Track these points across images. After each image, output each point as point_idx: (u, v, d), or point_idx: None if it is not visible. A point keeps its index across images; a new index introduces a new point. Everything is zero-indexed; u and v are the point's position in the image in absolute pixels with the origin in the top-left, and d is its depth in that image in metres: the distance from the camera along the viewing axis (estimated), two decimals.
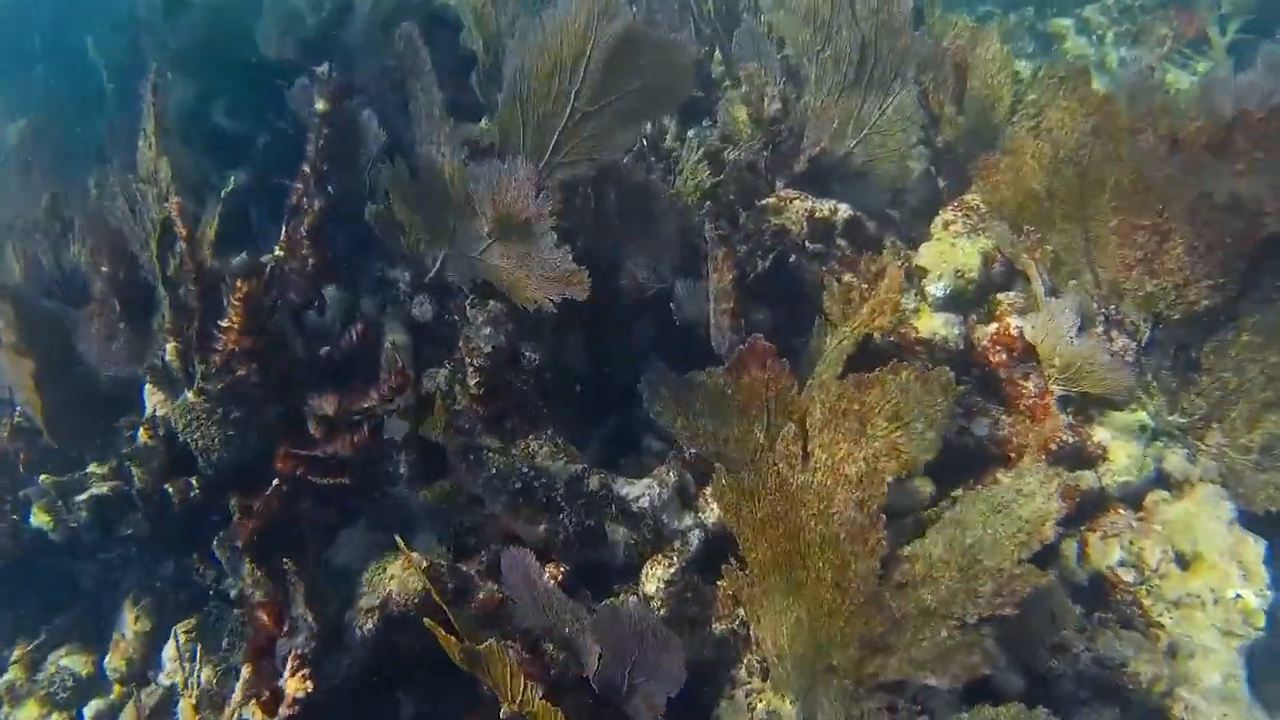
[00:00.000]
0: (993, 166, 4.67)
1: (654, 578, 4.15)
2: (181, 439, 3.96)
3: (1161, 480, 4.60)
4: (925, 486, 4.39)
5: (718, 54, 5.81)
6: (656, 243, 4.72)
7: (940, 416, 3.96)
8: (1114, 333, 4.58)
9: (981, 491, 3.70)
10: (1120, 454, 4.58)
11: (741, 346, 4.16)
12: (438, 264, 4.41)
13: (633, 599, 4.00)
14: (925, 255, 4.87)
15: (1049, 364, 4.54)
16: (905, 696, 3.65)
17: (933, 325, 4.74)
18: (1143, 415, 4.62)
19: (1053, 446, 4.53)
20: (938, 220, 5.04)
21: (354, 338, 4.02)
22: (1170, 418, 4.60)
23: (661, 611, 4.06)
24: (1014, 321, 4.68)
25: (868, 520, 3.57)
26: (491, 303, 4.27)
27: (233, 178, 4.50)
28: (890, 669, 3.63)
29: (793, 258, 4.82)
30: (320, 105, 4.05)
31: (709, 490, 4.49)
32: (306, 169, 4.04)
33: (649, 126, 5.46)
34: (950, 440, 4.48)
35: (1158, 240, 4.27)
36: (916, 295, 4.80)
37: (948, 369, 3.92)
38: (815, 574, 3.73)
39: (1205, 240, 4.18)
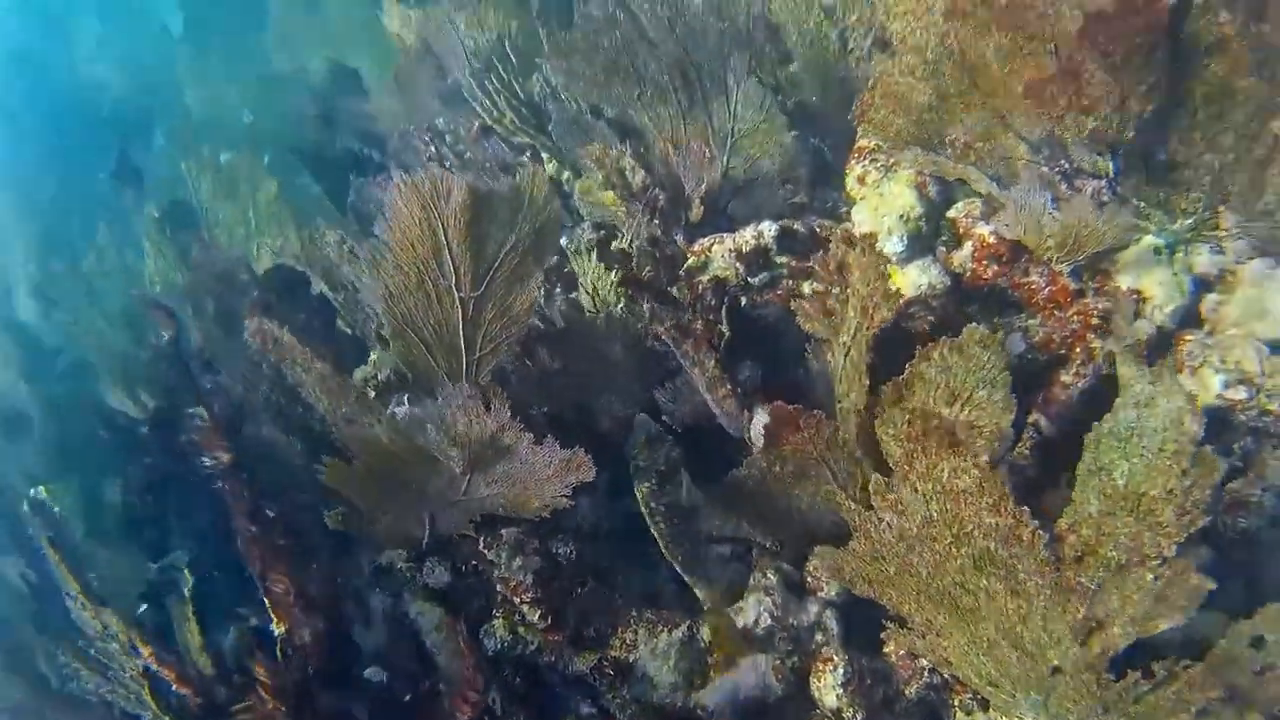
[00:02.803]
0: (870, 105, 4.17)
1: (829, 688, 3.62)
2: None
3: (1203, 286, 4.14)
4: None
5: (543, 155, 5.28)
6: (611, 367, 4.18)
7: (997, 373, 3.46)
8: (1078, 182, 4.11)
9: (1099, 428, 3.18)
10: (1152, 286, 4.13)
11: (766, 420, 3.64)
12: (428, 526, 3.82)
13: None
14: (861, 218, 4.38)
15: (1042, 250, 4.06)
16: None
17: (911, 279, 4.26)
18: (1149, 239, 4.16)
19: (1094, 321, 4.08)
20: (849, 179, 4.55)
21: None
22: (1175, 226, 4.14)
23: (859, 717, 3.50)
24: (984, 230, 4.19)
25: (1012, 519, 3.06)
26: (504, 531, 3.68)
27: (177, 566, 3.86)
28: (1119, 639, 3.13)
29: (743, 300, 4.29)
30: (223, 458, 3.44)
31: (811, 566, 3.99)
32: (250, 528, 3.41)
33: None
34: None
35: (1072, 78, 3.80)
36: None
37: (975, 326, 3.43)
38: (985, 593, 3.22)
39: (1117, 50, 3.71)
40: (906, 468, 3.19)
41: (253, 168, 6.54)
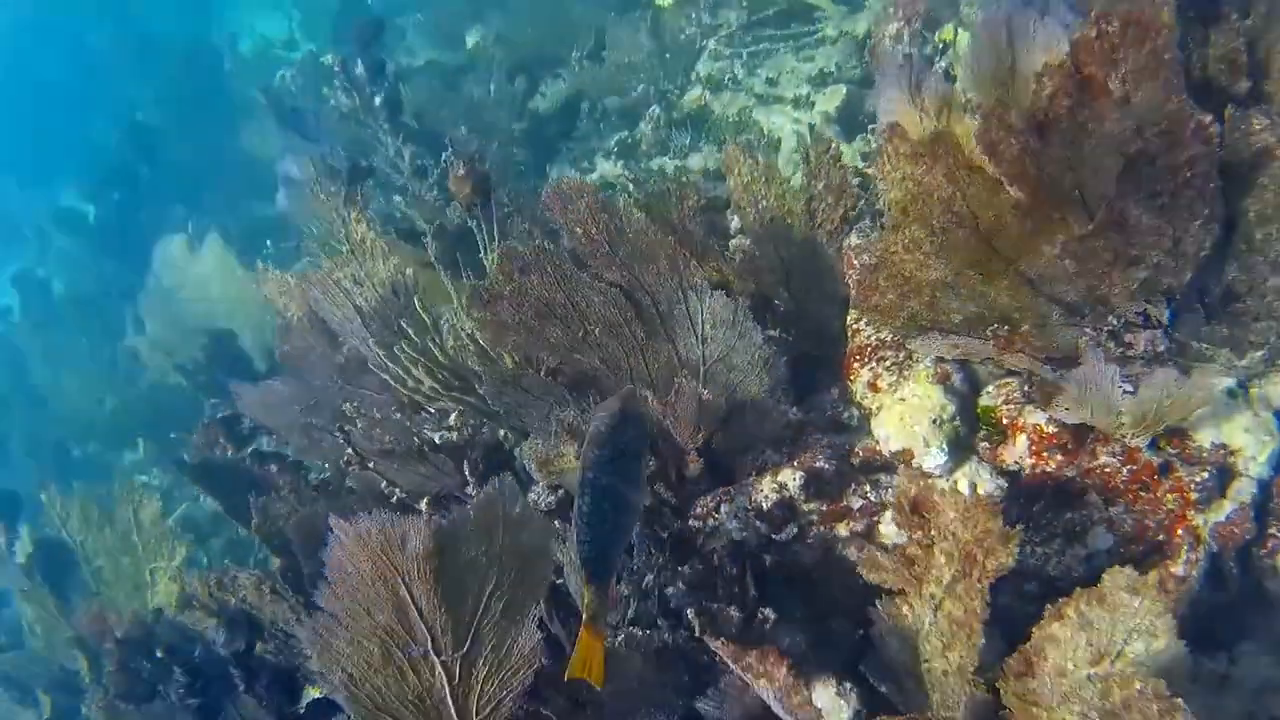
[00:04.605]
0: (873, 289, 3.37)
1: None
2: None
3: None
4: None
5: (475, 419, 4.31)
6: (631, 684, 3.22)
7: (1156, 618, 2.61)
8: (1129, 336, 3.35)
9: None
10: (1237, 435, 3.42)
11: None
12: None
13: None
14: (889, 432, 3.54)
15: (1115, 430, 3.27)
16: None
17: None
18: (1220, 382, 3.41)
19: (1193, 497, 3.30)
20: (857, 385, 3.71)
21: None
22: (1243, 362, 3.41)
23: None
24: (1039, 420, 3.39)
25: None
26: None
27: None
28: None
29: (767, 558, 3.39)
30: None
31: None
32: None
33: None
34: (1080, 576, 3.34)
35: (1118, 229, 3.05)
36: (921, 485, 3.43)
37: (1118, 569, 2.60)
38: None
39: (1166, 189, 2.99)
40: None
41: (129, 489, 5.41)
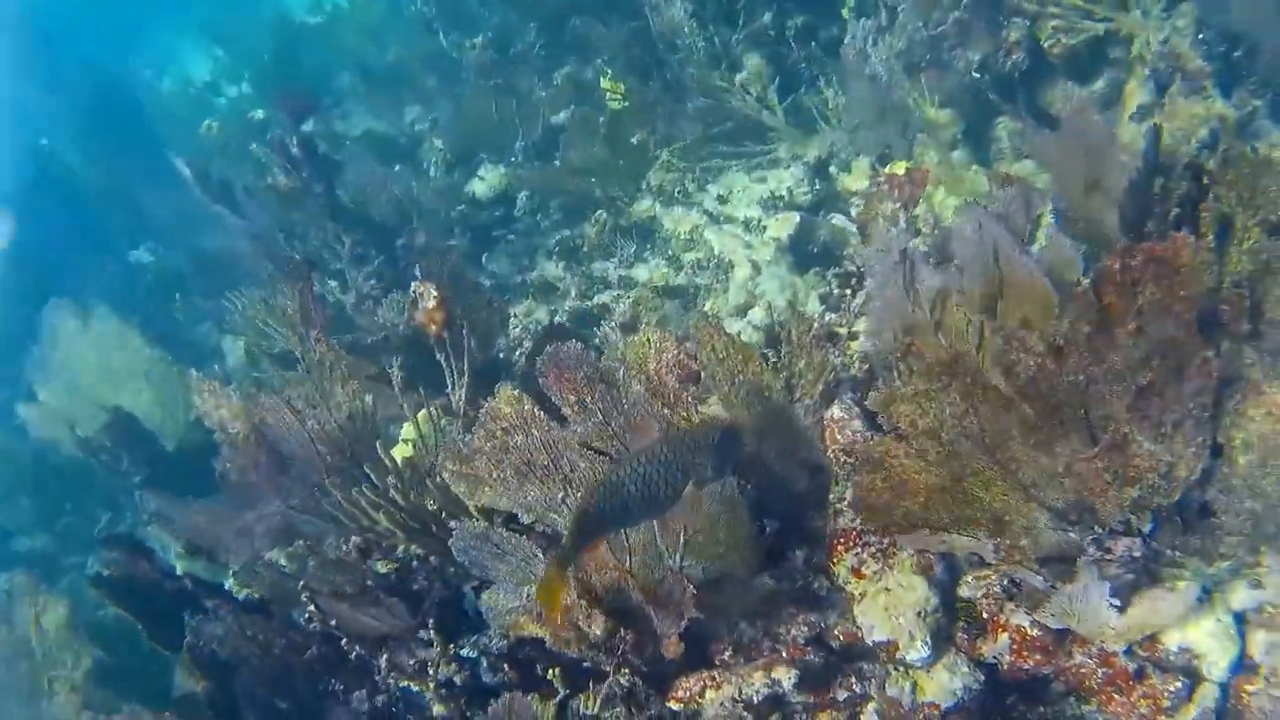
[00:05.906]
0: (870, 489, 3.28)
1: None
2: None
3: (1243, 622, 3.47)
4: None
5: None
6: None
7: None
8: (1109, 543, 3.35)
9: None
10: (1202, 639, 3.45)
11: None
12: None
13: None
14: (873, 622, 3.46)
15: (1097, 639, 3.25)
16: None
17: (942, 685, 3.38)
18: (1187, 587, 3.42)
19: (1165, 703, 3.32)
20: (840, 569, 3.62)
21: None
22: (1211, 570, 3.43)
23: None
24: (1023, 622, 3.36)
25: None
26: None
27: None
28: None
29: None
30: None
31: None
32: None
33: None
34: None
35: (1118, 453, 3.04)
36: (903, 676, 3.36)
37: None
38: None
39: (1168, 417, 2.99)
40: None
41: (32, 588, 4.97)
